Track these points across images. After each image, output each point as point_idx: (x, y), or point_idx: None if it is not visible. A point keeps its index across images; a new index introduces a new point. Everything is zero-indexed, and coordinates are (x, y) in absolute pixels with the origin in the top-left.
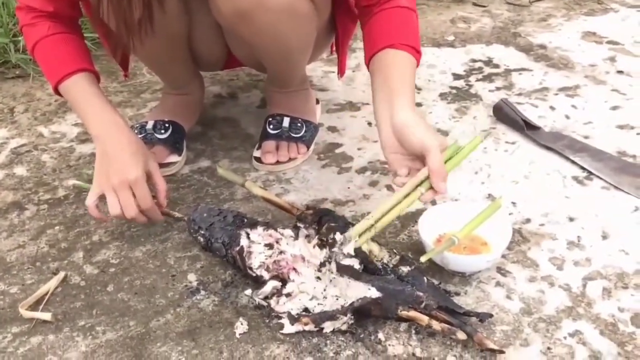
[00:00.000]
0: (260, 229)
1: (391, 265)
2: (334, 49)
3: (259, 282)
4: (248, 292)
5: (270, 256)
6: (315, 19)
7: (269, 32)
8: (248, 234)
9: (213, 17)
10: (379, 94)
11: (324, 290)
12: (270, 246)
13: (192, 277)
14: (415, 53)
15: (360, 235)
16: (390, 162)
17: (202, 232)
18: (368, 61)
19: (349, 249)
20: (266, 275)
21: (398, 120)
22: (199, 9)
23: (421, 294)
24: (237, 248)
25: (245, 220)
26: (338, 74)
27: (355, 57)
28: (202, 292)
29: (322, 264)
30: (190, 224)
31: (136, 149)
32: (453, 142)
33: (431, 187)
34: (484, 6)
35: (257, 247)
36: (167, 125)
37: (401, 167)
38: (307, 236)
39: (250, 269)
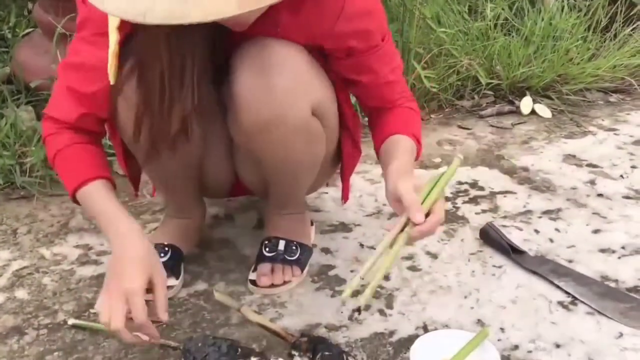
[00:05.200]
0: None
1: None
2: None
3: None
4: None
5: None
6: (324, 142)
7: (282, 146)
8: None
9: (225, 146)
10: (384, 166)
11: None
12: None
13: None
14: (415, 140)
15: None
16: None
17: None
18: (378, 148)
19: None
20: None
21: (388, 175)
22: (213, 137)
23: None
24: None
25: (240, 350)
26: (342, 199)
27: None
28: None
29: None
30: (186, 354)
31: (142, 257)
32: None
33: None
34: (469, 129)
35: None
36: (166, 249)
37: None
38: None
39: None
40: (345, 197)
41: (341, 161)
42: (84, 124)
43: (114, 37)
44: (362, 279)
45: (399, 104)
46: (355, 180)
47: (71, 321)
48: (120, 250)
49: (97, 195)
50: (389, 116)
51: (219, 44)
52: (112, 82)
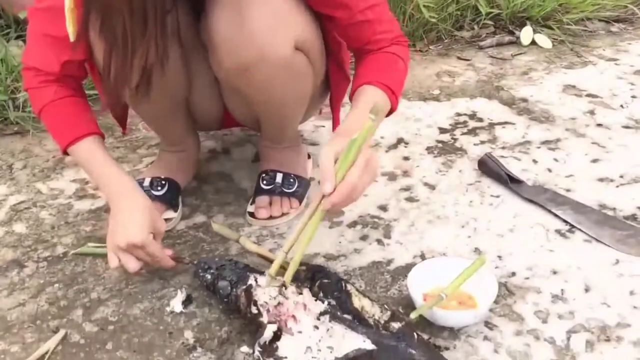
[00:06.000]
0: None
1: (382, 322)
2: (323, 110)
3: (255, 325)
4: (244, 349)
5: (275, 298)
6: (311, 77)
7: (267, 86)
8: (256, 279)
9: (211, 79)
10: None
11: (319, 341)
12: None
13: (188, 335)
14: (388, 91)
15: (276, 274)
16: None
17: (212, 271)
18: (351, 100)
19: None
20: (265, 318)
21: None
22: (198, 70)
23: (414, 351)
24: (244, 287)
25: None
26: (333, 129)
27: (345, 113)
28: (199, 350)
29: (322, 313)
30: (200, 264)
31: (142, 211)
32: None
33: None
34: (468, 60)
35: (262, 290)
36: (163, 182)
37: None
38: (299, 294)
39: (255, 303)
40: (336, 127)
41: (330, 92)
42: (67, 70)
43: None
44: (286, 253)
45: (381, 47)
46: (347, 110)
47: (89, 245)
48: (118, 206)
49: (90, 153)
50: (364, 63)
51: None
52: (71, 39)
